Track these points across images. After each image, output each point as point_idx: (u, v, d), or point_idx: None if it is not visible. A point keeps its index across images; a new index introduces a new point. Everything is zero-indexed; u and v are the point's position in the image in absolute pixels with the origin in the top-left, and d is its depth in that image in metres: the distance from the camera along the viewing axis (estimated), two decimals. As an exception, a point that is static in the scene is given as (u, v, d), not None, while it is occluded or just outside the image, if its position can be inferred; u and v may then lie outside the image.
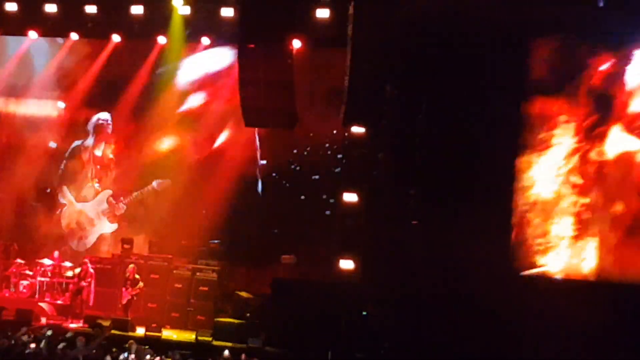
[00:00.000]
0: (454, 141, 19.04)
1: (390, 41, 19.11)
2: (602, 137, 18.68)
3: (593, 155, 18.73)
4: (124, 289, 21.10)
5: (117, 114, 24.61)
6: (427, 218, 19.14)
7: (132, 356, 16.64)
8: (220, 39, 22.14)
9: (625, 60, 18.55)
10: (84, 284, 21.66)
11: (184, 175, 23.82)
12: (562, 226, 18.82)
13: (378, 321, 19.08)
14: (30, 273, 22.59)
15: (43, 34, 23.12)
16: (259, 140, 23.50)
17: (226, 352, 17.64)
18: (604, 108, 18.69)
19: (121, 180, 24.61)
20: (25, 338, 16.90)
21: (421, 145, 19.46)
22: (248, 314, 20.82)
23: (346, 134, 19.99)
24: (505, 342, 17.74)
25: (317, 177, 22.98)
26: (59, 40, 24.35)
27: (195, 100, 24.14)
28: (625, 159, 18.49)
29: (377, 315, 19.16)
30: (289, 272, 21.84)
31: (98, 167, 24.84)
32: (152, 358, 16.82)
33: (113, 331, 19.67)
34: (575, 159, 18.84)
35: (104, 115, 24.78)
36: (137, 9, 21.52)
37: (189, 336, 20.25)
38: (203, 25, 21.77)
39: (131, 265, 21.39)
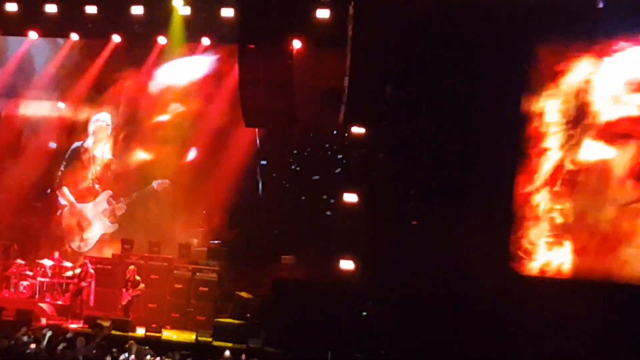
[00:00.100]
0: (454, 141, 19.04)
1: (390, 41, 19.12)
2: (577, 144, 18.78)
3: (567, 162, 18.82)
4: (124, 290, 21.09)
5: (116, 114, 24.64)
6: (427, 218, 19.14)
7: (132, 357, 16.64)
8: (220, 39, 22.13)
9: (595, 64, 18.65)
10: (84, 284, 21.67)
11: (184, 176, 23.84)
12: (540, 230, 18.93)
13: (378, 321, 19.08)
14: (31, 273, 22.59)
15: (43, 34, 23.12)
16: (259, 140, 23.50)
17: (227, 352, 17.65)
18: (578, 115, 18.80)
19: (121, 180, 24.62)
20: (25, 338, 16.89)
21: (421, 145, 19.46)
22: (248, 314, 20.84)
23: (346, 134, 19.98)
24: (505, 342, 17.74)
25: (317, 177, 22.99)
26: (59, 40, 24.34)
27: (194, 101, 24.17)
28: (599, 166, 18.56)
29: (377, 315, 19.16)
30: (289, 272, 21.84)
31: (98, 168, 24.86)
32: (152, 358, 16.81)
33: (113, 331, 19.67)
34: (553, 164, 18.95)
35: (103, 116, 24.80)
36: (137, 9, 21.51)
37: (189, 336, 20.25)
38: (203, 25, 21.76)
39: (131, 267, 21.38)
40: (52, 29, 22.70)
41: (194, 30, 21.89)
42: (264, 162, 23.61)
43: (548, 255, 18.82)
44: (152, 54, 23.70)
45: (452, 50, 18.86)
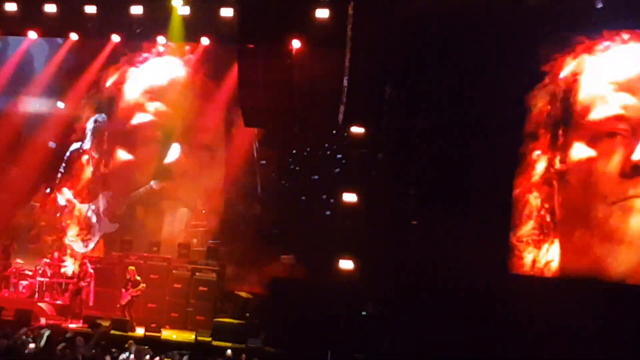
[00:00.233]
0: (454, 141, 19.04)
1: (390, 41, 19.12)
2: (566, 145, 18.85)
3: (557, 162, 18.87)
4: (123, 290, 21.08)
5: (115, 114, 24.66)
6: (427, 218, 19.14)
7: (132, 356, 16.62)
8: (219, 39, 22.13)
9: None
10: (83, 284, 21.66)
11: (183, 176, 23.83)
12: (532, 228, 19.00)
13: (377, 321, 19.08)
14: (30, 273, 22.58)
15: (43, 34, 23.13)
16: (259, 140, 23.50)
17: (228, 352, 17.66)
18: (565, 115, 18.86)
19: (119, 181, 24.61)
20: (23, 337, 16.87)
21: (421, 145, 19.46)
22: (248, 314, 20.84)
23: (346, 134, 19.99)
24: (505, 342, 17.74)
25: (316, 177, 22.97)
26: (59, 40, 24.35)
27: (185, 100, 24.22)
28: (587, 165, 18.61)
29: (377, 315, 19.15)
30: (288, 272, 21.84)
31: (97, 168, 24.86)
32: (152, 358, 16.80)
33: (113, 331, 19.67)
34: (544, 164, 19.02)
35: (101, 117, 24.81)
36: (136, 9, 21.53)
37: (188, 336, 20.24)
38: (202, 25, 21.77)
39: (132, 267, 21.36)
40: (52, 28, 22.72)
41: (193, 30, 21.90)
42: (263, 162, 23.60)
43: (541, 253, 18.85)
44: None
45: (451, 50, 18.87)
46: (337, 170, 21.96)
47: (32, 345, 16.37)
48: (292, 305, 19.40)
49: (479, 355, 17.80)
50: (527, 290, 18.24)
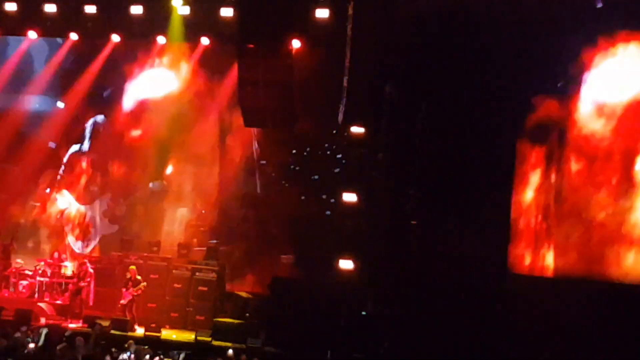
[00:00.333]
0: (453, 141, 19.04)
1: (390, 41, 19.12)
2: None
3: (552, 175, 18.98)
4: (124, 290, 21.08)
5: (115, 115, 24.69)
6: (427, 218, 19.14)
7: (131, 356, 16.63)
8: (219, 39, 22.13)
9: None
10: (83, 284, 21.65)
11: (183, 175, 23.83)
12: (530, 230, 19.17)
13: (378, 321, 19.08)
14: (30, 273, 22.58)
15: (42, 34, 23.12)
16: (259, 141, 23.50)
17: (230, 352, 17.67)
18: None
19: (119, 182, 24.61)
20: (23, 337, 16.89)
21: (420, 145, 19.45)
22: (247, 314, 20.84)
23: (345, 134, 19.99)
24: (505, 342, 17.74)
25: (316, 177, 22.97)
26: (59, 40, 24.34)
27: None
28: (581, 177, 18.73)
29: (377, 315, 19.15)
30: (288, 271, 21.84)
31: (96, 170, 24.87)
32: (152, 358, 16.81)
33: (112, 331, 19.67)
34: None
35: (100, 118, 24.82)
36: (136, 9, 21.51)
37: (188, 336, 20.24)
38: (202, 25, 21.76)
39: (132, 267, 21.35)
40: (52, 28, 22.71)
41: (193, 29, 21.90)
42: (263, 162, 23.60)
43: (540, 253, 18.90)
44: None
45: (451, 50, 18.86)
46: (337, 170, 21.96)
47: (31, 345, 16.39)
48: (292, 305, 19.41)
49: (479, 355, 17.80)
50: (527, 290, 18.27)
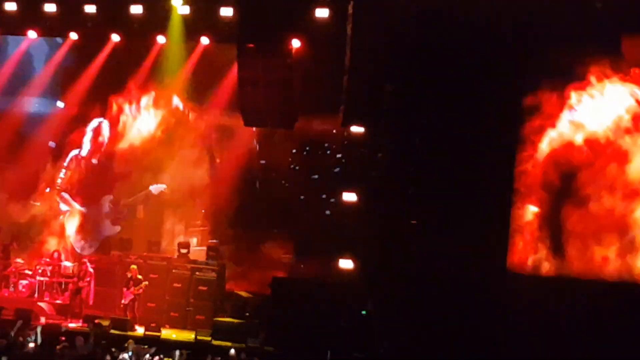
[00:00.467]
0: (453, 141, 19.02)
1: (390, 40, 19.10)
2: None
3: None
4: (125, 289, 21.08)
5: (114, 116, 24.71)
6: (426, 217, 19.12)
7: (131, 355, 16.64)
8: (219, 39, 22.12)
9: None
10: (83, 283, 21.65)
11: (183, 175, 23.83)
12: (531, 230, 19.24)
13: (377, 321, 19.07)
14: (30, 273, 22.58)
15: (42, 33, 23.11)
16: (258, 140, 23.49)
17: (232, 351, 17.67)
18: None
19: (120, 184, 24.60)
20: (17, 335, 16.92)
21: (420, 145, 19.44)
22: (247, 314, 20.84)
23: (345, 134, 19.98)
24: (505, 341, 17.74)
25: (316, 176, 22.97)
26: (58, 40, 24.33)
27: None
28: None
29: (377, 315, 19.14)
30: (288, 271, 21.83)
31: (96, 173, 24.88)
32: (151, 357, 16.81)
33: (112, 330, 19.68)
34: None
35: (101, 121, 24.82)
36: (136, 9, 21.50)
37: (188, 336, 20.25)
38: (202, 24, 21.75)
39: (133, 266, 21.35)
40: (52, 28, 22.70)
41: (193, 29, 21.89)
42: (263, 162, 23.59)
43: (540, 253, 18.94)
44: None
45: (451, 50, 18.84)
46: (337, 169, 21.95)
47: (31, 345, 16.40)
48: (292, 305, 19.40)
49: (479, 355, 17.80)
50: (527, 289, 18.25)
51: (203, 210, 23.91)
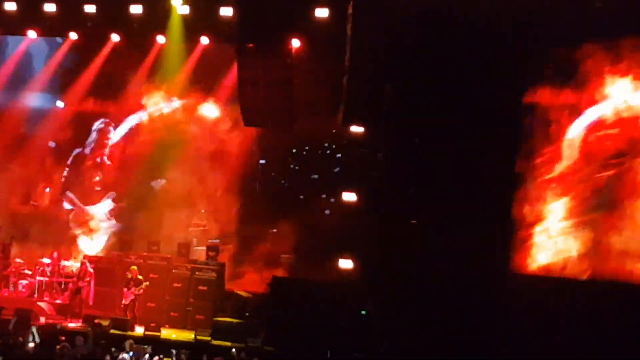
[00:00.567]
0: (453, 141, 19.03)
1: (390, 41, 19.10)
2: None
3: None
4: (125, 289, 21.07)
5: (115, 115, 24.72)
6: (426, 217, 19.13)
7: (131, 355, 16.64)
8: (219, 39, 22.13)
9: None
10: (83, 283, 21.65)
11: (183, 175, 23.84)
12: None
13: (377, 320, 19.07)
14: (30, 272, 22.57)
15: (42, 33, 23.12)
16: (258, 140, 23.49)
17: (234, 351, 17.68)
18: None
19: (122, 182, 24.62)
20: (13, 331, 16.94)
21: (420, 145, 19.45)
22: (247, 314, 20.83)
23: (345, 134, 19.98)
24: (505, 341, 17.74)
25: (316, 176, 22.97)
26: (58, 39, 24.34)
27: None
28: None
29: (377, 315, 19.15)
30: (288, 271, 21.83)
31: (99, 171, 24.89)
32: (151, 357, 16.81)
33: (112, 330, 19.67)
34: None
35: (105, 121, 24.85)
36: (136, 9, 21.52)
37: (188, 335, 20.24)
38: (202, 24, 21.76)
39: (134, 267, 21.33)
40: (51, 28, 22.71)
41: (192, 29, 21.90)
42: (262, 161, 23.59)
43: (542, 256, 18.99)
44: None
45: (451, 50, 18.85)
46: (337, 169, 21.95)
47: (31, 345, 16.42)
48: (291, 305, 19.40)
49: (479, 355, 17.80)
50: (528, 289, 18.26)
51: (203, 210, 23.90)
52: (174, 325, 21.25)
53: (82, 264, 22.12)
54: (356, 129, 19.53)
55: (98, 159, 24.89)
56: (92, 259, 22.72)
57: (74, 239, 24.57)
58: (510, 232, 19.12)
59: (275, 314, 19.73)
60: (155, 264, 22.26)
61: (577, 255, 19.11)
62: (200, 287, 21.69)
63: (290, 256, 22.04)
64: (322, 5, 19.90)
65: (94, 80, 24.39)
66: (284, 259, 22.15)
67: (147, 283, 21.09)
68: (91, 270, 21.92)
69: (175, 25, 21.80)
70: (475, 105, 18.78)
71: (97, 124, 24.85)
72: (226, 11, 20.76)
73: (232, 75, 21.69)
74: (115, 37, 23.03)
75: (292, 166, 23.45)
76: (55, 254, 22.92)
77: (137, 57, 23.94)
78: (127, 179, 24.47)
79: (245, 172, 23.56)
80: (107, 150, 24.85)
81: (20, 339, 16.85)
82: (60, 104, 25.13)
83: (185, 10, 21.31)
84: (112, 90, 24.43)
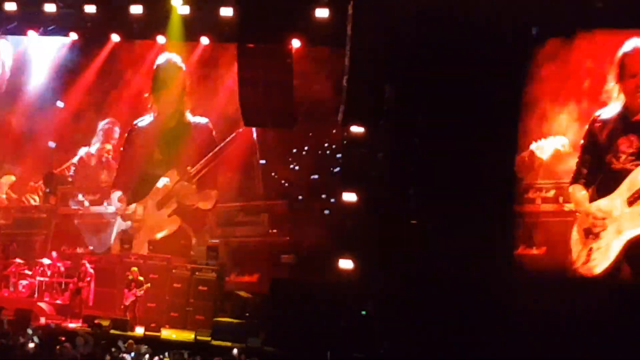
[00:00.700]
0: (454, 141, 19.02)
1: (390, 41, 19.10)
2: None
3: None
4: (127, 290, 21.06)
5: (115, 115, 24.73)
6: (426, 218, 19.12)
7: (131, 355, 16.64)
8: (219, 39, 22.13)
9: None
10: (82, 284, 21.65)
11: (184, 175, 23.84)
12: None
13: (378, 321, 19.06)
14: (30, 273, 22.57)
15: (42, 33, 23.11)
16: (258, 140, 23.49)
17: (235, 351, 17.68)
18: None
19: (127, 180, 24.63)
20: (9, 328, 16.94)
21: (421, 145, 19.44)
22: (247, 314, 20.82)
23: (345, 134, 19.96)
24: (506, 341, 17.73)
25: (316, 176, 22.95)
26: (59, 40, 24.33)
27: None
28: None
29: (377, 315, 19.14)
30: (288, 272, 21.83)
31: (105, 170, 24.90)
32: (151, 358, 16.81)
33: (112, 331, 19.67)
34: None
35: (111, 121, 24.87)
36: (136, 9, 21.53)
37: (188, 336, 20.23)
38: (202, 24, 21.77)
39: (134, 268, 21.31)
40: (52, 28, 22.72)
41: (193, 29, 21.92)
42: (262, 162, 23.59)
43: (542, 255, 19.00)
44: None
45: (451, 49, 18.84)
46: (337, 169, 21.94)
47: (31, 345, 16.41)
48: (292, 305, 19.39)
49: (479, 355, 17.79)
50: (529, 289, 18.26)
51: (203, 210, 23.89)
52: (174, 325, 21.25)
53: (82, 264, 22.12)
54: (356, 129, 19.50)
55: (103, 158, 24.90)
56: (92, 259, 22.72)
57: (79, 238, 24.55)
58: (511, 232, 19.10)
59: (276, 315, 19.72)
60: (155, 264, 22.27)
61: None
62: (201, 288, 21.69)
63: (290, 256, 22.02)
64: (322, 5, 19.90)
65: (94, 80, 24.41)
66: (284, 259, 22.14)
67: (148, 285, 21.09)
68: (91, 270, 21.93)
69: (175, 26, 21.81)
70: (475, 105, 18.77)
71: (103, 124, 24.85)
72: (226, 11, 20.75)
73: (232, 75, 21.68)
74: (115, 37, 23.04)
75: (292, 166, 23.42)
76: (54, 254, 22.93)
77: (137, 57, 23.99)
78: (130, 177, 24.47)
79: (246, 173, 23.54)
80: (112, 150, 24.85)
81: (21, 338, 16.84)
82: (60, 104, 25.12)
83: (186, 10, 21.31)
84: (114, 90, 24.45)
